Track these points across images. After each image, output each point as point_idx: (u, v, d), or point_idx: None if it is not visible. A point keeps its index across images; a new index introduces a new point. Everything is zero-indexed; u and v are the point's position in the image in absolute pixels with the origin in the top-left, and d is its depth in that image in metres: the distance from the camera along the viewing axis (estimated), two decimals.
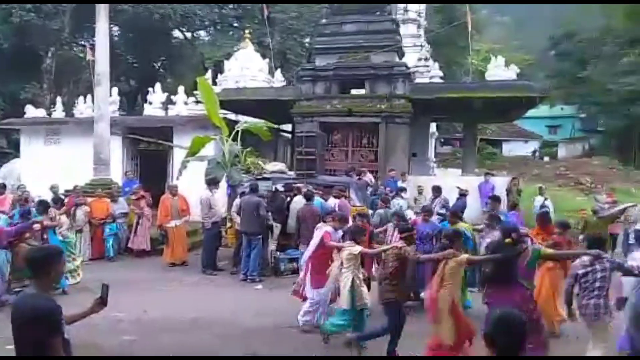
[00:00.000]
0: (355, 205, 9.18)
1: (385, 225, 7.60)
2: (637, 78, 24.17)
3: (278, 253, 9.09)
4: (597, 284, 4.51)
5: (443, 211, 9.89)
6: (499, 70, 13.84)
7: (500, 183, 12.37)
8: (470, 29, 15.05)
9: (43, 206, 7.65)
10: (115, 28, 27.33)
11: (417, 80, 15.21)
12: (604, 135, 33.95)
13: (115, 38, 26.42)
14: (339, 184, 9.74)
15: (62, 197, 10.29)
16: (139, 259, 10.24)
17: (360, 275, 5.48)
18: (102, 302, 2.97)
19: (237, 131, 10.71)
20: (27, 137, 15.88)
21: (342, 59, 13.21)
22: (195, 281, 8.57)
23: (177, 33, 29.35)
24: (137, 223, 10.45)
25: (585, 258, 4.64)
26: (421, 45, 18.91)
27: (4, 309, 6.05)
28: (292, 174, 11.15)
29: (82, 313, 3.03)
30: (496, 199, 8.35)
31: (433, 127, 19.59)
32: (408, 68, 13.29)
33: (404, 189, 10.52)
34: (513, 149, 36.47)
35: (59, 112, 17.18)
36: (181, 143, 13.33)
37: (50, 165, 14.05)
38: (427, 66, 17.31)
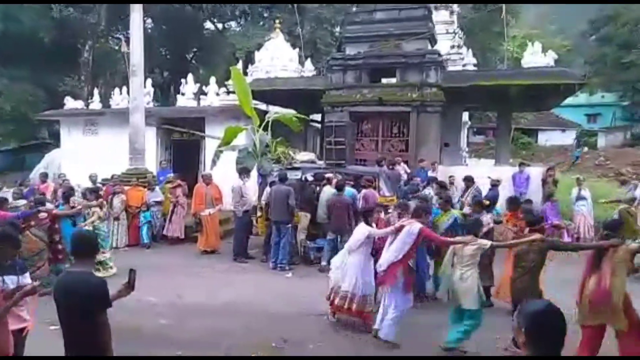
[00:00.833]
0: (385, 195, 9.12)
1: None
2: None
3: (308, 242, 9.16)
4: None
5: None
6: (536, 57, 13.35)
7: (535, 173, 12.03)
8: (505, 14, 14.58)
9: (65, 196, 7.71)
10: (149, 21, 27.87)
11: (450, 68, 14.88)
12: None
13: (149, 30, 26.95)
14: (369, 174, 9.70)
15: (100, 186, 10.65)
16: (173, 246, 10.52)
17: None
18: (129, 286, 3.09)
19: (268, 121, 10.79)
20: (67, 127, 16.51)
21: (373, 48, 13.05)
22: (226, 268, 8.75)
23: (208, 24, 29.70)
24: (172, 211, 10.72)
25: None
26: (454, 32, 18.45)
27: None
28: (321, 163, 11.17)
29: (111, 296, 3.16)
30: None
31: (465, 116, 19.16)
32: (440, 56, 13.00)
33: (435, 179, 10.36)
34: (550, 138, 35.28)
35: (96, 104, 17.73)
36: (213, 133, 13.56)
37: (89, 155, 14.58)
38: (460, 53, 16.93)
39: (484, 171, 11.65)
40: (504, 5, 14.13)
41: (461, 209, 9.41)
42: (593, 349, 4.38)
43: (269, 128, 10.76)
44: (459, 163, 15.15)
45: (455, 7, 20.40)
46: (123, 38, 22.75)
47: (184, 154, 15.33)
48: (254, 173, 10.32)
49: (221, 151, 10.53)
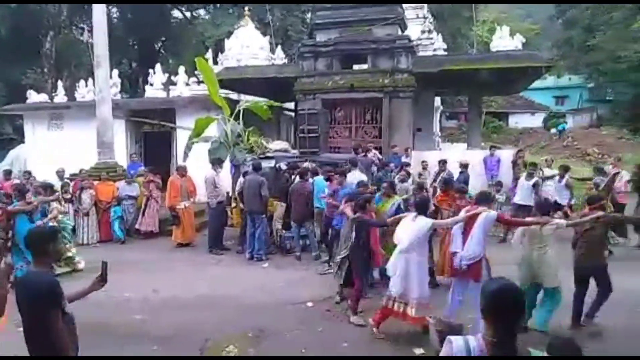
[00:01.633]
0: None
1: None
2: None
3: (283, 232, 9.14)
4: None
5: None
6: (504, 41, 13.53)
7: (505, 156, 12.28)
8: None
9: (19, 191, 7.30)
10: (114, 10, 27.02)
11: (421, 54, 14.94)
12: (612, 105, 33.39)
13: (114, 20, 26.17)
14: (344, 162, 9.70)
15: (51, 183, 10.27)
16: (147, 241, 10.34)
17: None
18: (102, 279, 3.03)
19: (239, 110, 10.65)
20: (31, 122, 15.91)
21: (343, 34, 12.98)
22: (202, 261, 8.66)
23: (176, 13, 29.00)
24: (146, 205, 10.52)
25: None
26: (424, 17, 18.50)
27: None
28: (295, 152, 11.12)
29: (82, 291, 3.10)
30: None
31: (438, 101, 19.35)
32: (411, 41, 13.02)
33: (408, 164, 10.46)
34: (520, 121, 36.04)
35: (60, 97, 17.14)
36: (184, 124, 13.31)
37: (55, 150, 14.12)
38: (431, 39, 16.99)
39: (457, 155, 11.83)
40: None
41: (434, 194, 9.57)
42: None
43: (241, 117, 10.62)
44: (432, 148, 15.34)
45: None
46: (86, 28, 22.01)
47: (155, 147, 15.01)
48: (227, 164, 10.19)
49: (193, 143, 10.34)
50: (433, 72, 12.36)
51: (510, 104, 36.17)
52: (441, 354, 2.06)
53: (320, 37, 13.29)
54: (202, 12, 30.08)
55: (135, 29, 27.31)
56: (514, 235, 5.72)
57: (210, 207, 9.38)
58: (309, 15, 22.52)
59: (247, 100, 12.88)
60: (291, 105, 15.31)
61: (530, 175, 9.53)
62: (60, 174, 10.88)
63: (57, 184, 10.20)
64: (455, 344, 2.00)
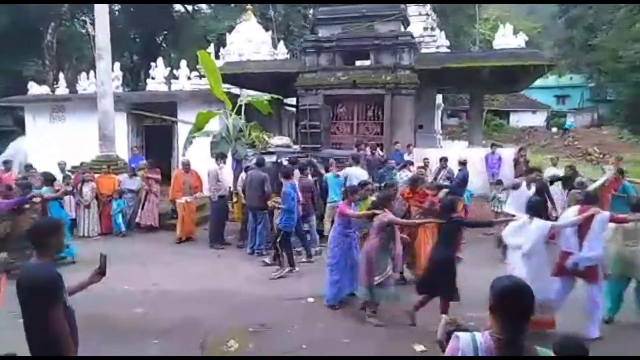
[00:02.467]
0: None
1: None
2: None
3: None
4: None
5: (447, 183, 9.89)
6: (507, 39, 13.51)
7: (507, 154, 12.28)
8: None
9: (46, 179, 7.76)
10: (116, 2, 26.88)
11: (423, 51, 14.92)
12: (613, 105, 33.28)
13: (116, 13, 26.00)
14: (345, 157, 9.70)
15: (70, 173, 10.39)
16: (147, 234, 10.33)
17: None
18: (100, 272, 3.03)
19: (241, 105, 10.63)
20: (32, 114, 15.89)
21: (346, 30, 12.95)
22: (203, 255, 8.66)
23: (178, 6, 28.86)
24: (145, 199, 10.52)
25: None
26: (427, 14, 18.42)
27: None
28: (297, 148, 11.10)
29: (81, 284, 3.10)
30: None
31: (439, 98, 19.31)
32: (413, 38, 12.99)
33: (411, 163, 10.43)
34: (521, 119, 36.02)
35: (62, 89, 17.09)
36: (185, 118, 13.29)
37: (57, 143, 14.10)
38: (433, 36, 16.95)
39: (458, 153, 11.82)
40: None
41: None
42: None
43: (242, 112, 10.60)
44: (433, 145, 15.32)
45: None
46: (88, 20, 21.86)
47: (156, 140, 15.00)
48: (229, 158, 10.18)
49: (194, 137, 10.33)
50: (436, 69, 12.34)
51: (512, 102, 36.14)
52: (447, 349, 2.07)
53: (323, 32, 13.25)
54: (203, 5, 29.95)
55: (137, 22, 27.20)
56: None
57: (212, 201, 9.38)
58: (311, 10, 22.46)
59: (248, 95, 12.85)
60: (293, 100, 15.28)
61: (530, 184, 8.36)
62: (61, 166, 10.87)
63: (59, 176, 10.22)
64: (463, 339, 2.00)
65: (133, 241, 9.85)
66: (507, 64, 11.83)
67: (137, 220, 10.57)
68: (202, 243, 9.38)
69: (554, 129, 31.05)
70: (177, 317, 5.65)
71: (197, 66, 16.35)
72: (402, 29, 13.17)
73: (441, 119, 24.70)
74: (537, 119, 35.61)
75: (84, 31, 23.23)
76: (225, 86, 12.05)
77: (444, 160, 10.38)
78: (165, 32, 30.21)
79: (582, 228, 5.04)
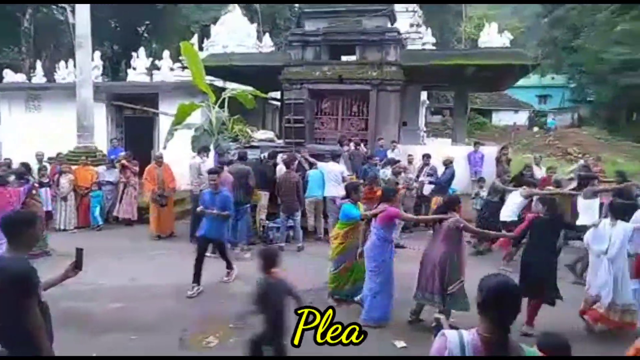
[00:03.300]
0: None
1: None
2: (630, 47, 23.99)
3: (267, 222, 9.04)
4: None
5: (430, 179, 9.92)
6: (492, 38, 13.61)
7: (489, 152, 12.36)
8: None
9: (26, 168, 7.64)
10: None
11: (409, 47, 14.91)
12: (593, 106, 34.01)
13: None
14: (329, 153, 9.64)
15: (47, 164, 10.14)
16: (126, 228, 10.13)
17: None
18: (76, 266, 2.94)
19: (224, 98, 10.46)
20: (7, 103, 15.38)
21: (333, 24, 12.85)
22: (182, 249, 8.48)
23: None
24: (123, 192, 10.29)
25: None
26: (414, 11, 18.44)
27: None
28: (280, 142, 11.00)
29: (56, 278, 3.00)
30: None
31: (424, 95, 19.40)
32: (400, 34, 12.95)
33: (398, 161, 10.38)
34: (503, 118, 36.47)
35: (39, 78, 16.63)
36: (167, 110, 13.03)
37: (33, 133, 13.69)
38: (419, 32, 16.97)
39: (441, 150, 11.86)
40: None
41: (420, 188, 9.59)
42: None
43: (226, 105, 10.43)
44: (417, 142, 15.38)
45: None
46: (68, 7, 21.31)
47: (137, 132, 14.67)
48: (212, 152, 10.02)
49: (175, 130, 10.13)
50: (421, 66, 12.34)
51: (494, 101, 36.55)
52: (433, 347, 2.04)
53: (309, 26, 13.12)
54: None
55: (119, 10, 26.53)
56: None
57: (193, 194, 9.20)
58: (297, 3, 22.27)
59: (232, 88, 12.66)
60: (277, 94, 15.13)
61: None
62: (39, 157, 10.58)
63: (35, 167, 9.95)
64: (450, 337, 1.98)
65: (110, 234, 9.64)
66: (492, 62, 11.87)
67: (115, 213, 10.34)
68: (182, 238, 9.21)
69: (535, 129, 31.52)
70: (155, 312, 5.54)
71: (180, 58, 16.10)
72: (389, 24, 13.13)
73: (425, 116, 24.85)
74: (519, 118, 36.10)
75: (63, 18, 22.63)
76: (208, 78, 11.86)
77: (426, 157, 10.42)
78: (147, 22, 29.61)
79: None
